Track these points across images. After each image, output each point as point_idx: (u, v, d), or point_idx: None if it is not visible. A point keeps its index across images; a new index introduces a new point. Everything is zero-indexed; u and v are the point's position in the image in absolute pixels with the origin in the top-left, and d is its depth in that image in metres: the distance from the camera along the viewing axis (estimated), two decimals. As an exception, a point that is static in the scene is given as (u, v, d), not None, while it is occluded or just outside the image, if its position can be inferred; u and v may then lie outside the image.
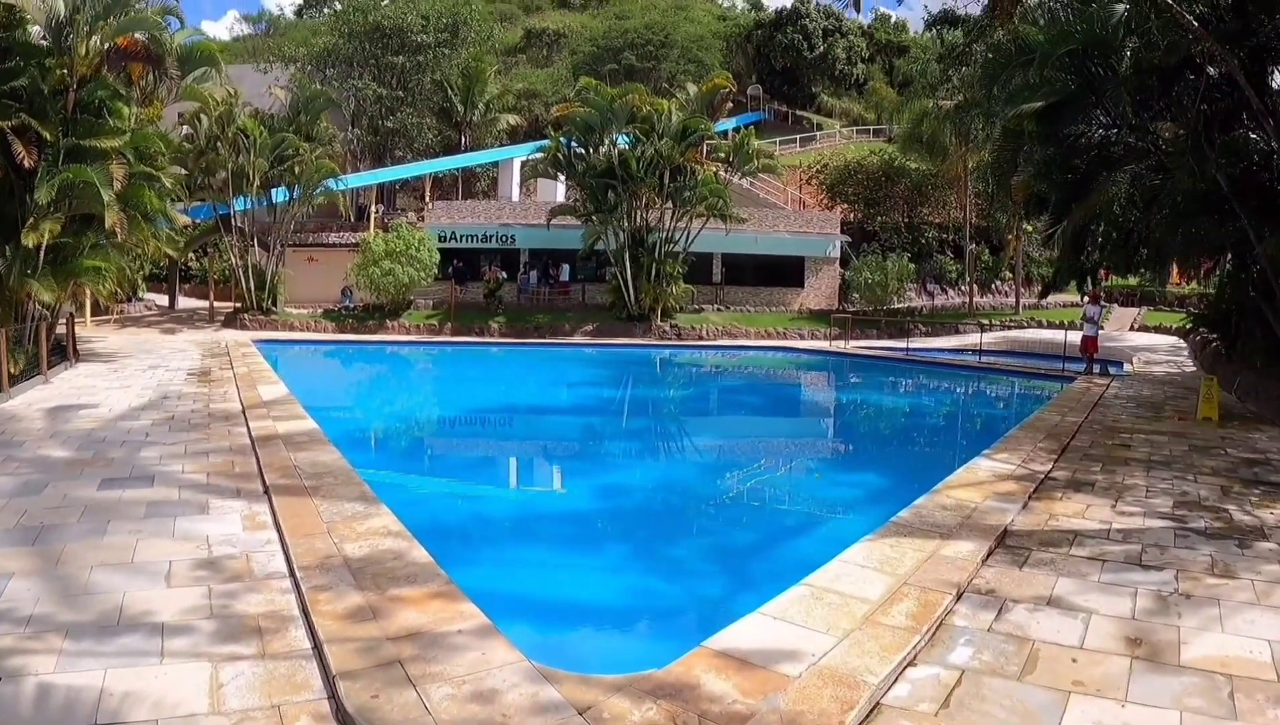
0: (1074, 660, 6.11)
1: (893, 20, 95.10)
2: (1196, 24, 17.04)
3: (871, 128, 68.56)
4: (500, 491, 15.16)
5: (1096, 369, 25.98)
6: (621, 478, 15.63)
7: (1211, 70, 18.44)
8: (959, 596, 7.13)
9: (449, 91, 59.09)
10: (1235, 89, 17.67)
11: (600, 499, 14.17)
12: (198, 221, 40.77)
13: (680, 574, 10.37)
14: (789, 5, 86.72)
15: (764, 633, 6.26)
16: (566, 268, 44.82)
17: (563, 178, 44.44)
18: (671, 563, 10.82)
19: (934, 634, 6.46)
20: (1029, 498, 10.33)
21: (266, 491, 10.09)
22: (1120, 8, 18.86)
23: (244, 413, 15.65)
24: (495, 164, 57.74)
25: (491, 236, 44.72)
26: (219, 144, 37.36)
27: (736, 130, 55.74)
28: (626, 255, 38.57)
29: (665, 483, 15.51)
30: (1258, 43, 17.45)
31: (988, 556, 8.10)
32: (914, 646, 6.11)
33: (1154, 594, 7.33)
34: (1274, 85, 18.91)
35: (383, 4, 60.18)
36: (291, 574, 7.35)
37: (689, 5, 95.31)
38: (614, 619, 9.01)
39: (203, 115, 37.39)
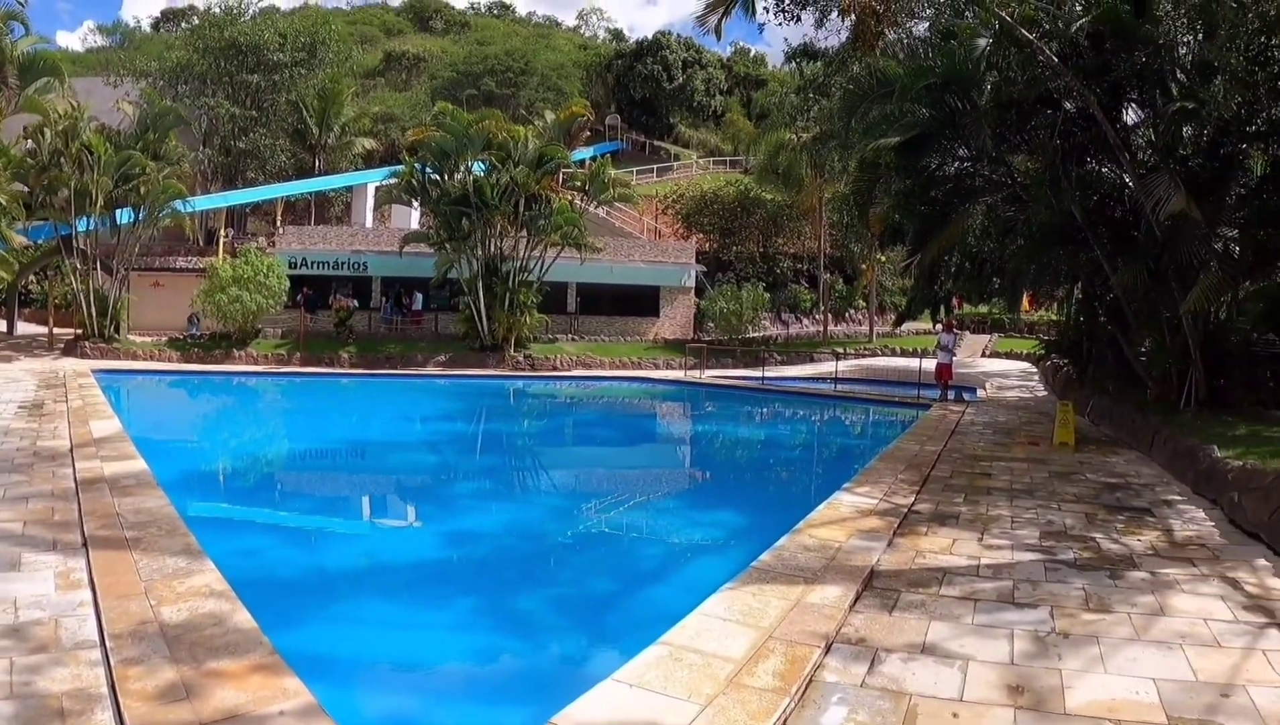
0: (955, 715, 5.72)
1: (752, 54, 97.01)
2: (1056, 60, 17.35)
3: (728, 159, 69.28)
4: (338, 540, 14.08)
5: (952, 396, 26.26)
6: (468, 523, 14.76)
7: (1069, 105, 18.80)
8: (828, 648, 6.67)
9: (304, 113, 57.78)
10: (1092, 124, 18.02)
11: (444, 547, 13.32)
12: (38, 242, 38.99)
13: (530, 632, 9.64)
14: (650, 36, 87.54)
15: (619, 703, 5.64)
16: (420, 296, 43.83)
17: (417, 204, 43.69)
18: (521, 619, 10.05)
19: (804, 693, 5.98)
20: (894, 534, 10.02)
21: (85, 544, 9.11)
22: (981, 43, 19.11)
23: (72, 452, 14.46)
24: (349, 189, 56.49)
25: (344, 263, 43.42)
26: (62, 160, 35.37)
27: (594, 159, 55.69)
28: (480, 284, 37.78)
29: (515, 527, 14.70)
30: (1114, 79, 17.81)
31: (855, 601, 7.69)
32: (784, 711, 5.62)
33: (1031, 634, 7.05)
34: (1129, 120, 19.35)
35: (240, 20, 58.58)
36: (103, 643, 6.49)
37: (550, 34, 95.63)
38: (456, 689, 8.21)
39: (45, 129, 35.53)
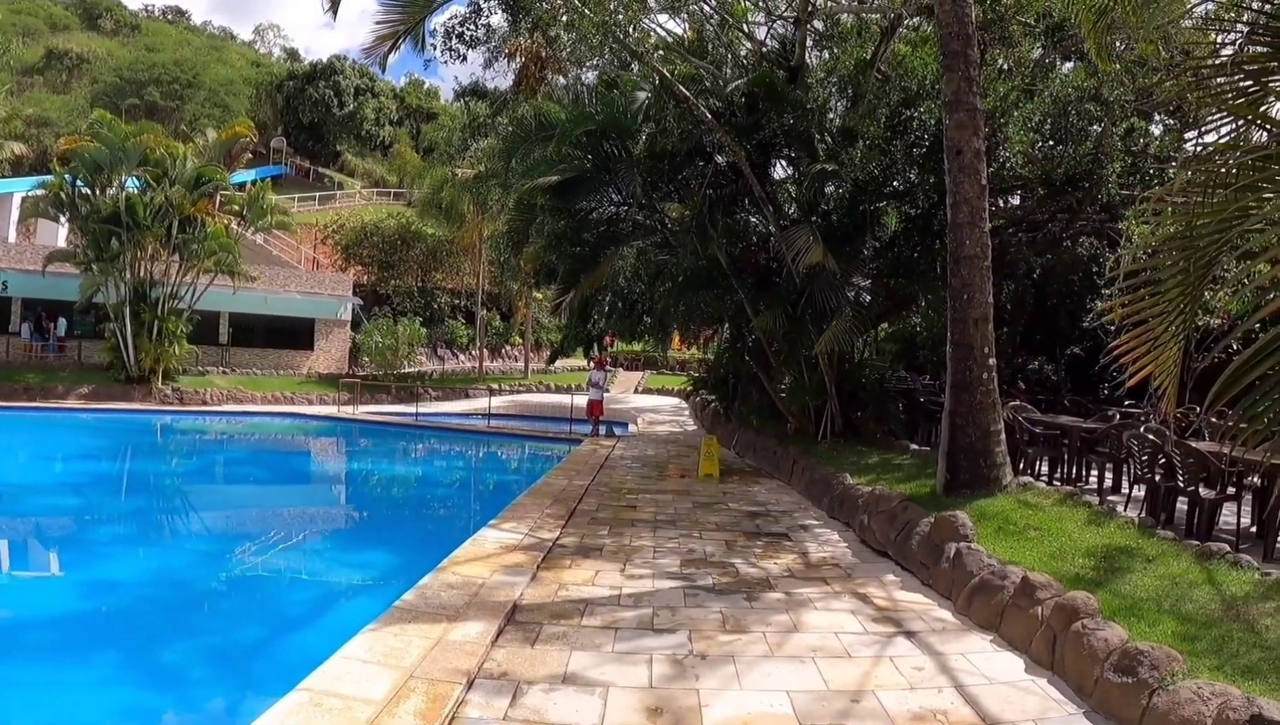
0: (597, 741, 5.68)
1: (425, 86, 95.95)
2: (710, 116, 18.05)
3: (393, 191, 68.00)
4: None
5: (603, 431, 26.72)
6: (110, 571, 13.44)
7: (720, 158, 19.66)
8: (470, 684, 6.51)
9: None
10: (741, 177, 18.93)
11: (84, 598, 12.14)
12: None
13: (173, 684, 8.86)
14: (325, 60, 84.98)
15: (258, 754, 5.27)
16: (63, 322, 39.96)
17: (65, 220, 39.60)
18: (164, 671, 9.23)
19: (447, 730, 5.78)
20: (538, 568, 9.96)
21: None
22: (641, 95, 19.69)
23: None
24: (-9, 197, 51.04)
25: (-19, 281, 38.94)
26: None
27: (254, 183, 53.18)
28: (127, 310, 34.86)
29: (160, 574, 13.56)
30: (764, 137, 18.73)
31: (498, 636, 7.56)
32: (426, 748, 5.38)
33: (670, 658, 7.17)
34: (778, 175, 20.41)
35: None
36: None
37: (224, 46, 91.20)
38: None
39: None
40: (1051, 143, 19.25)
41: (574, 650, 7.31)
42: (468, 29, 20.61)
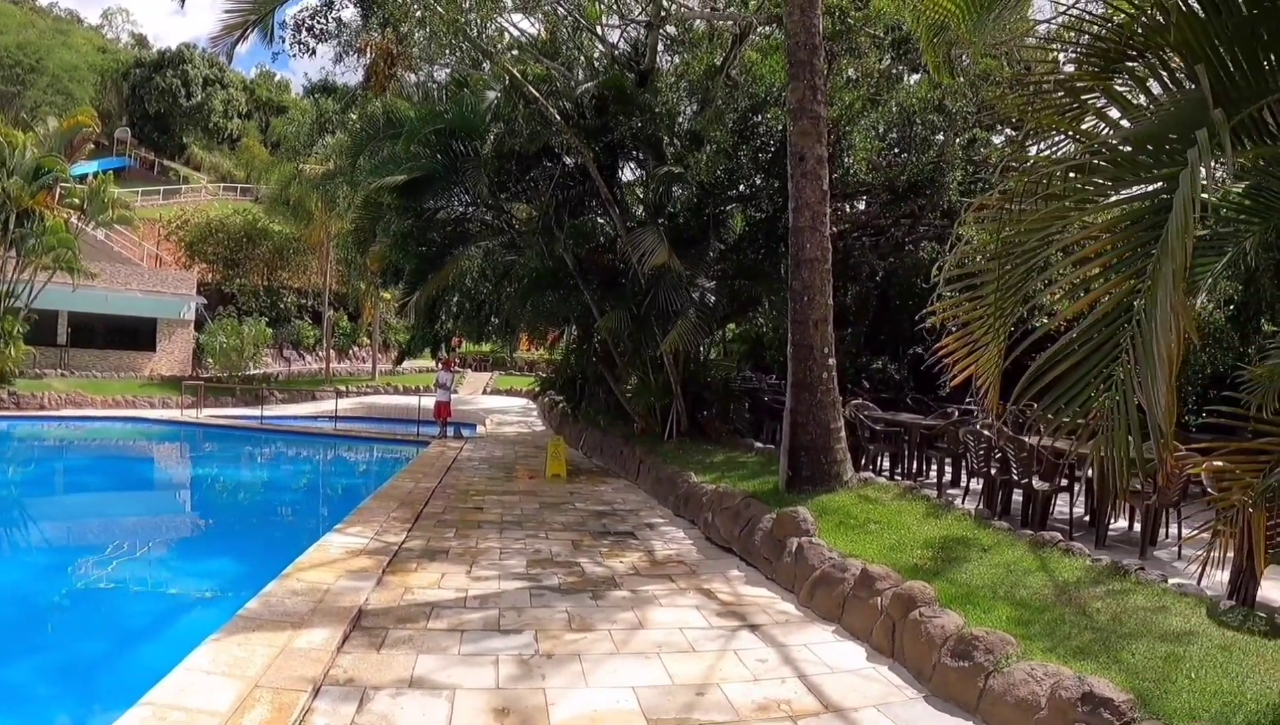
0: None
1: (276, 79, 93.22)
2: (559, 117, 18.06)
3: (239, 186, 65.58)
4: None
5: (450, 432, 26.47)
6: None
7: (569, 160, 19.68)
8: (317, 692, 6.37)
9: None
10: (588, 178, 18.98)
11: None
12: None
13: (7, 703, 8.49)
14: (173, 48, 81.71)
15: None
16: None
17: None
18: None
19: (292, 738, 5.67)
20: (384, 572, 9.80)
21: None
22: (491, 95, 19.52)
23: None
24: None
25: None
26: None
27: (96, 175, 50.89)
28: (-40, 310, 33.29)
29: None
30: (613, 139, 18.86)
31: (344, 642, 7.42)
32: (271, 757, 5.26)
33: (516, 658, 7.15)
34: (624, 177, 20.49)
35: None
36: None
37: (71, 30, 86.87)
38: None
39: None
40: (896, 151, 19.83)
41: (420, 654, 7.22)
42: (318, 22, 20.26)
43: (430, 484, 16.41)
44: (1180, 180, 3.34)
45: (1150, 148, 4.02)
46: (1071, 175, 4.56)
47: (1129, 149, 4.07)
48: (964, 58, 17.16)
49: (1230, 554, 6.55)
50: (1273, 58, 3.97)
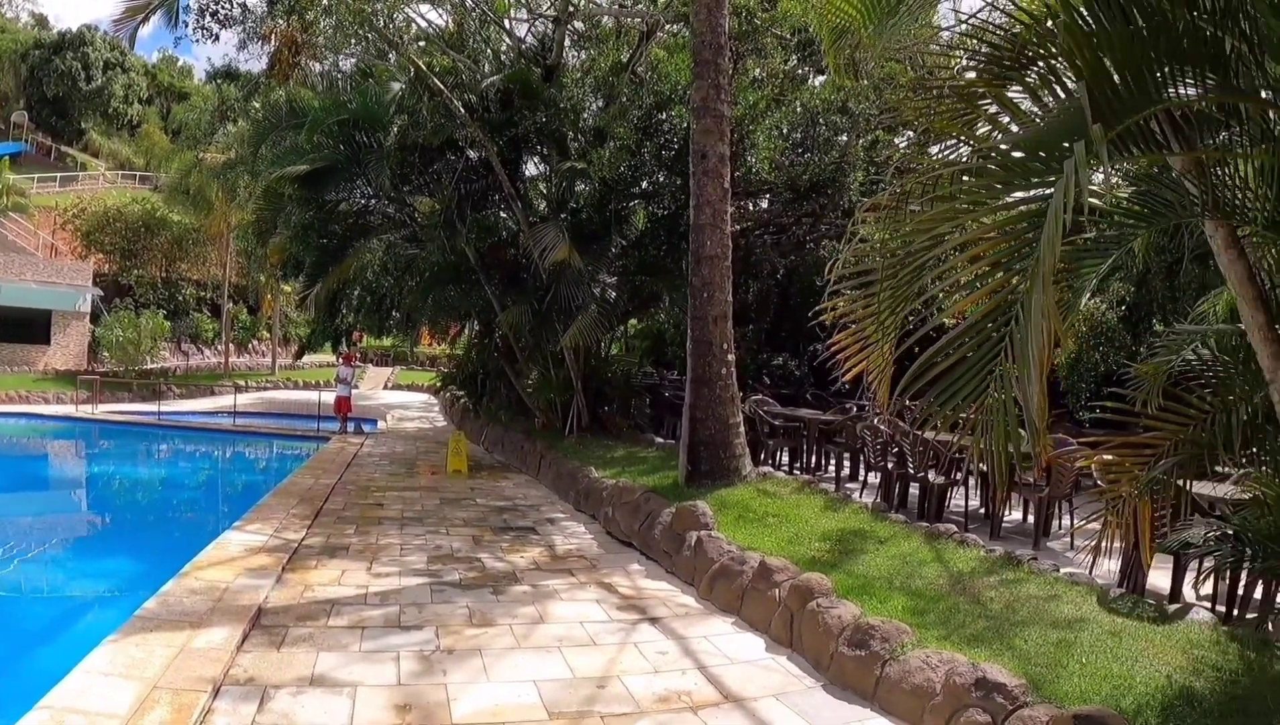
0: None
1: (180, 64, 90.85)
2: (464, 110, 17.97)
3: (139, 174, 63.61)
4: None
5: (351, 428, 26.19)
6: None
7: (472, 153, 19.53)
8: (217, 692, 6.28)
9: None
10: (492, 172, 18.89)
11: None
12: None
13: None
14: (75, 29, 78.96)
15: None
16: None
17: None
18: None
19: (193, 738, 5.60)
20: (283, 569, 9.68)
21: None
22: (396, 86, 19.32)
23: None
24: None
25: None
26: None
27: (-10, 160, 49.26)
28: None
29: None
30: (517, 133, 18.82)
31: (244, 641, 7.32)
32: (172, 759, 5.19)
33: (417, 654, 7.14)
34: (528, 172, 20.43)
35: None
36: None
37: None
38: None
39: None
40: (800, 150, 20.09)
41: (321, 651, 7.17)
42: (222, 7, 19.80)
43: (330, 480, 16.23)
44: (1055, 190, 3.47)
45: (1042, 154, 4.15)
46: (965, 178, 4.71)
47: (1020, 154, 4.20)
48: (869, 60, 17.44)
49: (1118, 543, 6.80)
50: (1159, 71, 4.12)
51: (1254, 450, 6.02)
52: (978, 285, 4.06)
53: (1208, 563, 7.11)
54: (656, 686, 6.64)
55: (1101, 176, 3.93)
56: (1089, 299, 19.20)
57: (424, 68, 18.80)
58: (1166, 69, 4.16)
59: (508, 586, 9.26)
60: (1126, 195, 5.55)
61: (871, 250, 4.78)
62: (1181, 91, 4.27)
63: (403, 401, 37.61)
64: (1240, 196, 4.97)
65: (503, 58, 21.29)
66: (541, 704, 6.23)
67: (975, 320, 4.05)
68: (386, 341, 44.86)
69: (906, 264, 4.26)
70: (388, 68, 20.89)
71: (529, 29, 22.18)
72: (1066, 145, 3.63)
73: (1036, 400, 3.63)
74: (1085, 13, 4.11)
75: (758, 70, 20.64)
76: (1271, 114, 4.71)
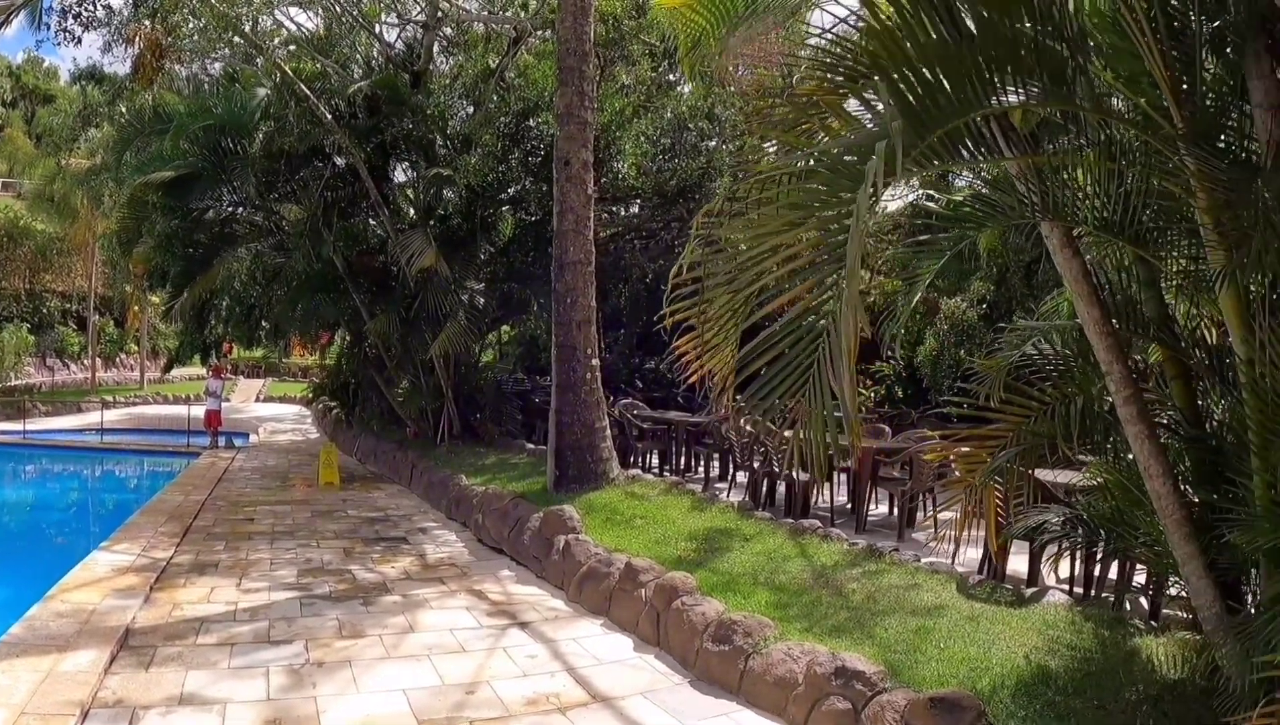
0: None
1: (45, 65, 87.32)
2: (331, 117, 17.82)
3: (1, 180, 61.09)
4: None
5: (222, 442, 25.69)
6: None
7: (339, 160, 19.36)
8: (85, 715, 6.21)
9: None
10: (359, 179, 18.74)
11: None
12: None
13: None
14: None
15: None
16: None
17: None
18: None
19: (61, 764, 5.55)
20: (151, 589, 9.53)
21: None
22: (263, 92, 19.00)
23: None
24: None
25: None
26: None
27: None
28: None
29: None
30: (385, 140, 18.74)
31: (111, 662, 7.23)
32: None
33: (287, 668, 7.15)
34: (397, 179, 20.30)
35: None
36: None
37: None
38: None
39: None
40: (667, 156, 20.34)
41: (190, 670, 7.13)
42: (85, 8, 19.37)
43: (200, 496, 15.95)
44: (859, 191, 3.65)
45: (858, 160, 4.32)
46: (792, 182, 4.88)
47: (853, 158, 4.37)
48: (739, 67, 17.74)
49: (981, 532, 7.09)
50: (987, 78, 4.36)
51: (1096, 439, 6.30)
52: (798, 282, 4.22)
53: (1061, 549, 7.44)
54: (525, 690, 6.76)
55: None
56: (952, 299, 19.99)
57: (290, 73, 18.62)
58: (997, 77, 4.39)
59: (378, 597, 9.29)
60: (960, 197, 5.82)
61: (705, 256, 4.93)
62: (1014, 98, 4.51)
63: (275, 414, 36.95)
64: (1072, 198, 5.26)
65: (373, 63, 21.16)
66: (411, 712, 6.30)
67: (791, 317, 4.22)
68: (257, 353, 43.96)
69: (745, 268, 4.41)
70: (255, 73, 20.62)
71: (399, 35, 22.10)
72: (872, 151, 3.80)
73: (849, 392, 3.81)
74: (907, 20, 4.30)
75: (626, 77, 20.85)
76: (1098, 120, 5.03)
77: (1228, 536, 4.71)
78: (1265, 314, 4.54)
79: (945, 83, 4.22)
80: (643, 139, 20.19)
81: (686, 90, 21.82)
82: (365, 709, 6.36)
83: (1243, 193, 4.33)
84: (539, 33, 20.52)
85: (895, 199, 19.54)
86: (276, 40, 21.21)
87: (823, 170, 4.45)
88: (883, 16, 4.44)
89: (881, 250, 20.29)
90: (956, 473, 7.27)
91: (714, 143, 21.04)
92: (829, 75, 4.90)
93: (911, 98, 4.15)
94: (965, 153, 4.64)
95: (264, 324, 23.64)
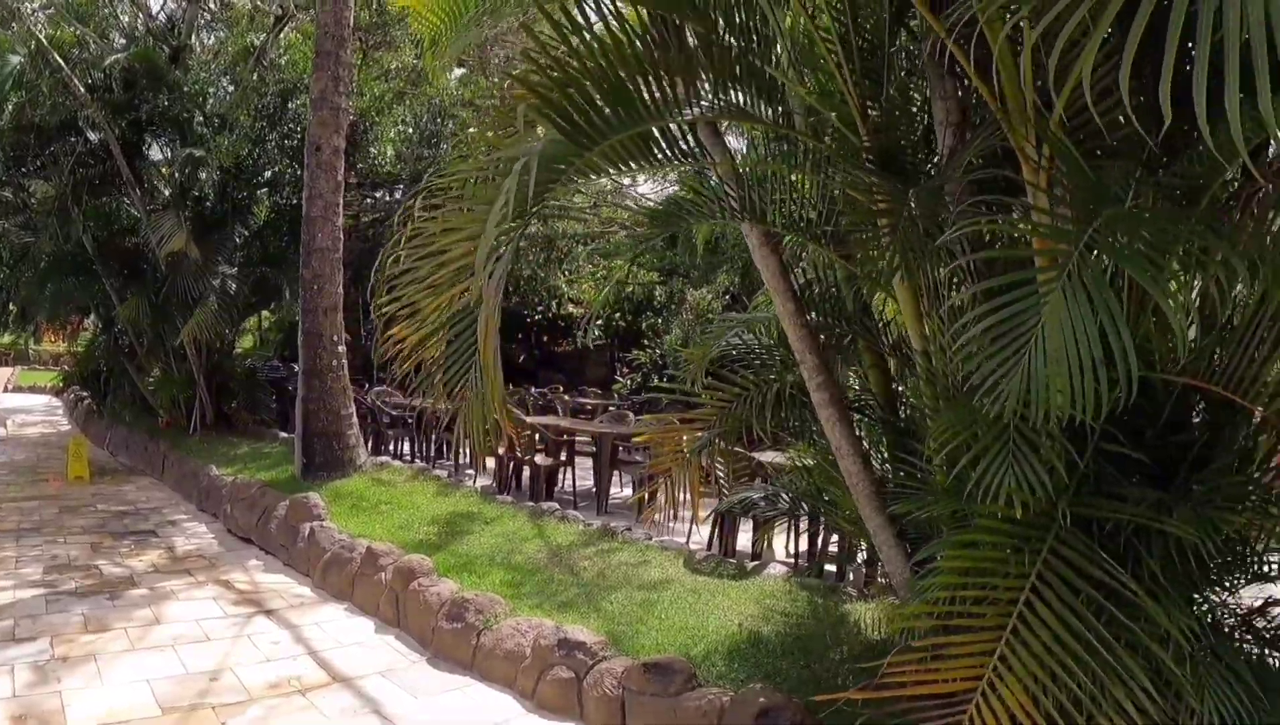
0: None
1: None
2: (84, 89, 17.20)
3: None
4: None
5: (-35, 436, 24.54)
6: None
7: (93, 135, 18.61)
8: None
9: None
10: (112, 156, 18.13)
11: None
12: None
13: None
14: None
15: None
16: None
17: None
18: None
19: None
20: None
21: None
22: (15, 60, 18.09)
23: None
24: None
25: None
26: None
27: None
28: None
29: None
30: (140, 116, 18.13)
31: None
32: None
33: (32, 665, 7.21)
34: (153, 157, 19.74)
35: None
36: None
37: None
38: None
39: None
40: (431, 143, 20.53)
41: (-65, 673, 7.12)
42: None
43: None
44: (505, 190, 3.98)
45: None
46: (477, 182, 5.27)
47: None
48: (502, 56, 18.09)
49: (680, 500, 7.73)
50: (688, 89, 4.88)
51: (793, 423, 6.90)
52: (462, 280, 4.62)
53: (773, 523, 8.12)
54: (269, 674, 7.06)
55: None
56: (699, 290, 20.92)
57: (44, 41, 17.85)
58: (704, 86, 4.95)
59: (125, 591, 9.33)
60: (654, 202, 6.37)
61: (405, 250, 5.26)
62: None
63: (24, 404, 35.13)
64: (763, 200, 5.75)
65: (136, 34, 20.48)
66: (155, 701, 6.49)
67: (453, 313, 4.69)
68: (5, 339, 41.63)
69: (445, 264, 4.78)
70: (7, 38, 19.65)
71: (162, 6, 21.41)
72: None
73: (492, 379, 4.30)
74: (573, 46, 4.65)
75: (390, 62, 20.90)
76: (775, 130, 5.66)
77: (911, 508, 5.19)
78: (928, 303, 5.20)
79: (600, 102, 4.54)
80: (403, 125, 20.33)
81: (455, 77, 22.01)
82: (109, 701, 6.51)
83: (898, 202, 4.86)
84: (309, 11, 20.25)
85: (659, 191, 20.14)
86: (36, 3, 20.23)
87: (496, 175, 4.84)
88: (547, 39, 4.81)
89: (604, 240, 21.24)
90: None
91: (474, 131, 21.31)
92: (537, 82, 5.31)
93: (570, 120, 4.47)
94: (661, 157, 5.08)
95: (11, 307, 22.70)
